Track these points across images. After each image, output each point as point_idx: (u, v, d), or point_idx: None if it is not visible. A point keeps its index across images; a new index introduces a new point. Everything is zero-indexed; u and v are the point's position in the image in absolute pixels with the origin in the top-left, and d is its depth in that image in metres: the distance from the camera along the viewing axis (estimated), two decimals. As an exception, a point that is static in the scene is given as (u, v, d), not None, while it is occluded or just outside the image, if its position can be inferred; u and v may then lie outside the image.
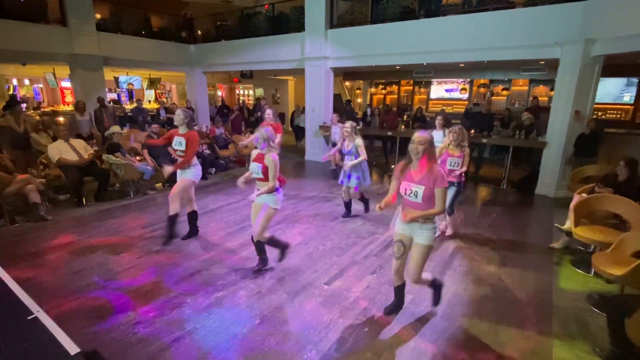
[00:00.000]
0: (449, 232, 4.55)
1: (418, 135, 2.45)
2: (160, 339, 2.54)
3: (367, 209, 5.23)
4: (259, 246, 3.46)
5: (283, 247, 3.56)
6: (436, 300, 2.94)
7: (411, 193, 2.48)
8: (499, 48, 6.59)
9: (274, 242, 3.50)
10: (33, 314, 2.78)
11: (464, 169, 4.14)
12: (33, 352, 2.36)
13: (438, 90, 12.29)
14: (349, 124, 4.77)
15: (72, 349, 2.40)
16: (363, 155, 4.68)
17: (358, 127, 5.04)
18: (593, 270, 3.53)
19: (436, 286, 2.90)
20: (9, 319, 2.68)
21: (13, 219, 4.72)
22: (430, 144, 2.43)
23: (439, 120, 5.27)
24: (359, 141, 4.71)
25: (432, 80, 12.19)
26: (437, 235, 4.34)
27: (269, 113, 5.87)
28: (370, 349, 2.49)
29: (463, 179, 4.30)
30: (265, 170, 3.15)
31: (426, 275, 2.80)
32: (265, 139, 3.17)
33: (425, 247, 2.57)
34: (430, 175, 2.42)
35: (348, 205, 5.14)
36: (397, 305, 2.92)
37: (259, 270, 3.52)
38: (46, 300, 2.94)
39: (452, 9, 7.56)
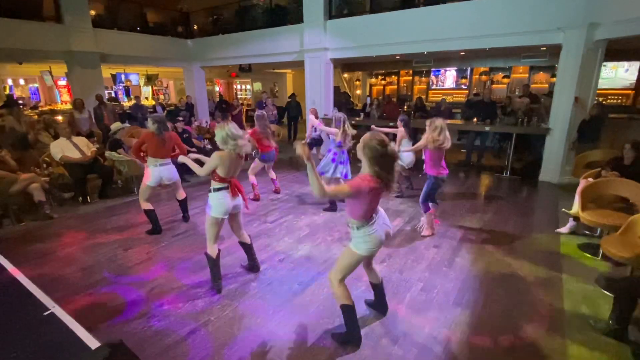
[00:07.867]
0: (425, 232, 4.15)
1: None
2: (176, 332, 2.55)
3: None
4: None
5: None
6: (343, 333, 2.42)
7: None
8: (500, 35, 6.52)
9: None
10: (49, 309, 2.81)
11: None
12: (52, 347, 2.39)
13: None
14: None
15: (92, 342, 2.42)
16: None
17: (358, 119, 4.99)
18: (601, 253, 3.56)
19: (344, 312, 2.35)
20: (25, 315, 2.71)
21: (19, 218, 4.72)
22: (361, 147, 2.14)
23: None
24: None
25: (433, 70, 12.13)
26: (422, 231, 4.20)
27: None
28: (385, 336, 2.51)
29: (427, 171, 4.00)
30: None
31: (339, 289, 2.33)
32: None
33: (346, 249, 2.34)
34: None
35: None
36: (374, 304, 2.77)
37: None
38: (59, 297, 2.95)
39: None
